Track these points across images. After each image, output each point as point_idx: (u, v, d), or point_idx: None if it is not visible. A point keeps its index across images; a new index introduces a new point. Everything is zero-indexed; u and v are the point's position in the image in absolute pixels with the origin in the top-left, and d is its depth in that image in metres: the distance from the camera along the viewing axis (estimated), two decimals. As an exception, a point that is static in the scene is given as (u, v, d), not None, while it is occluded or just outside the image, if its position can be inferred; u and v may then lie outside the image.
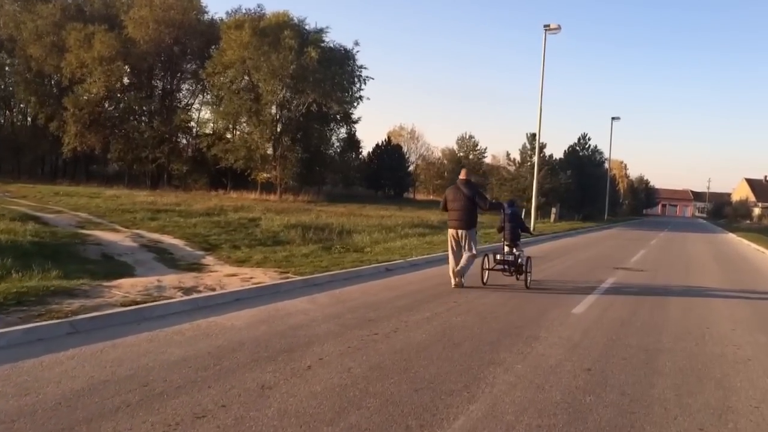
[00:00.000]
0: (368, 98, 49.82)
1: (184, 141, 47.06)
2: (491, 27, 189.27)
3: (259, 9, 46.36)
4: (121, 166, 49.34)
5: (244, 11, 46.32)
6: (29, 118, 52.10)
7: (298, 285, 10.16)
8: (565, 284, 12.78)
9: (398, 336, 7.03)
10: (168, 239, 16.71)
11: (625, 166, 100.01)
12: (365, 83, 48.10)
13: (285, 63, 41.89)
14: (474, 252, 11.02)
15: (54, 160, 50.47)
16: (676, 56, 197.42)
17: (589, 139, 58.91)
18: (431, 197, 78.99)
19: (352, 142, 54.19)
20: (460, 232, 10.99)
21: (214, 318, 7.51)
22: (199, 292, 8.82)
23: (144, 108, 47.93)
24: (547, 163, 44.66)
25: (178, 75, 49.05)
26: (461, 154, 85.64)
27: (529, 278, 11.69)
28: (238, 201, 36.21)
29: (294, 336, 6.80)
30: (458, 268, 11.03)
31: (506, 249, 12.09)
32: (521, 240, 12.82)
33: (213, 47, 46.20)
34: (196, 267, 12.03)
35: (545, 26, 29.65)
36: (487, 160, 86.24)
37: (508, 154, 48.71)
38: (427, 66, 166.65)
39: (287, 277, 10.68)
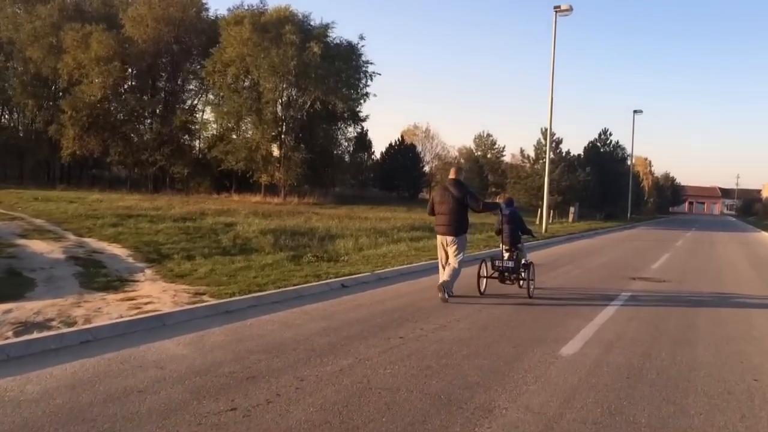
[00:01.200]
0: (375, 95, 46.95)
1: (186, 143, 44.75)
2: (508, 19, 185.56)
3: (261, 4, 44.03)
4: (121, 170, 47.31)
5: (246, 7, 44.05)
6: (29, 122, 50.32)
7: (200, 314, 7.67)
8: (566, 301, 10.09)
9: (263, 415, 4.42)
10: (113, 249, 14.70)
11: (650, 162, 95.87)
12: (372, 79, 45.57)
13: (285, 59, 39.54)
14: (457, 265, 9.64)
15: (56, 164, 48.59)
16: (701, 48, 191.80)
17: (610, 135, 55.83)
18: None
19: (361, 142, 51.63)
20: (448, 238, 9.71)
21: (4, 380, 4.97)
22: (47, 328, 6.35)
23: (143, 109, 45.85)
24: (564, 159, 41.67)
25: (179, 75, 46.92)
26: (479, 153, 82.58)
27: (531, 286, 10.30)
28: (233, 204, 33.92)
29: (101, 419, 4.22)
30: (441, 281, 9.67)
31: (505, 254, 10.65)
32: (524, 243, 11.39)
33: (216, 46, 43.97)
34: (117, 285, 9.85)
35: (555, 8, 26.88)
36: (506, 158, 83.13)
37: (521, 151, 45.66)
38: (443, 63, 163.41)
39: (195, 302, 8.17)
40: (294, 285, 9.84)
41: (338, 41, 45.08)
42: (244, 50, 40.59)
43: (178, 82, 47.09)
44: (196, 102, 46.41)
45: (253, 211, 26.96)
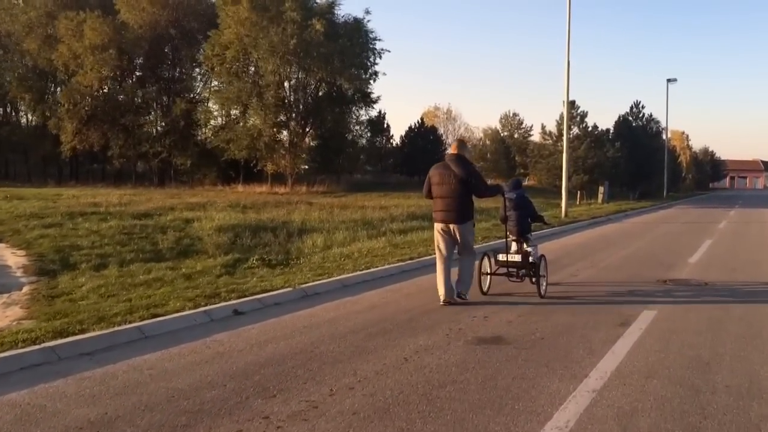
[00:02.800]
0: (384, 73, 43.40)
1: (190, 133, 41.93)
2: None
3: (261, -18, 40.81)
4: (123, 164, 44.79)
5: (246, -15, 40.91)
6: (29, 117, 48.19)
7: None
8: (551, 336, 6.76)
9: None
10: (12, 258, 12.36)
11: (687, 136, 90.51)
12: (380, 57, 42.17)
13: (285, 38, 36.43)
14: (471, 253, 8.26)
15: (59, 160, 46.23)
16: (736, 17, 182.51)
17: (642, 107, 51.42)
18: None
19: (378, 126, 48.31)
20: (451, 226, 8.07)
21: None
22: None
23: (143, 99, 43.23)
24: (590, 134, 37.72)
25: (179, 61, 44.11)
26: (505, 133, 78.74)
27: (543, 284, 8.75)
28: (229, 196, 31.04)
29: None
30: (457, 280, 8.16)
31: (512, 246, 9.03)
32: (533, 233, 9.56)
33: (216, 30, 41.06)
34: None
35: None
36: (534, 138, 78.89)
37: (543, 127, 41.63)
38: (465, 40, 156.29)
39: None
40: (148, 318, 6.74)
41: (344, 18, 41.78)
42: (241, 30, 37.62)
43: (179, 70, 44.28)
44: (198, 89, 43.39)
45: (235, 203, 24.02)
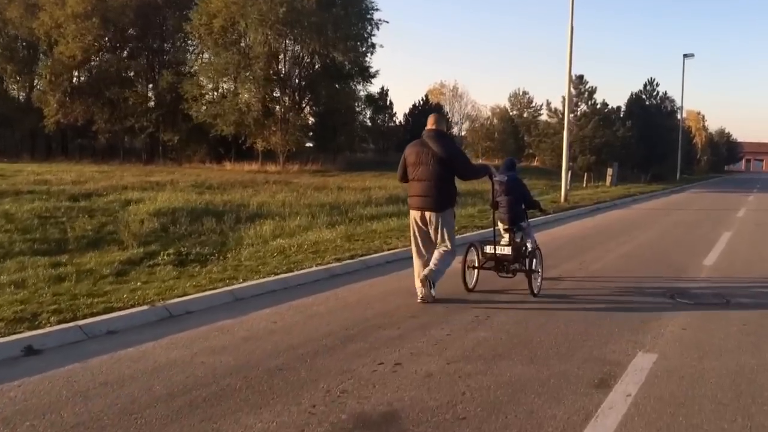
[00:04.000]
0: (381, 45, 40.74)
1: (178, 107, 39.52)
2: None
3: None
4: (111, 139, 42.49)
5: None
6: (13, 90, 45.88)
7: None
8: (497, 405, 4.38)
9: None
10: None
11: (703, 117, 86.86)
12: (378, 28, 39.49)
13: (273, 5, 33.84)
14: (450, 246, 6.87)
15: (49, 134, 43.91)
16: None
17: (657, 85, 48.31)
18: (480, 161, 69.62)
19: (375, 102, 45.68)
20: (428, 215, 6.82)
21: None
22: None
23: (129, 71, 40.86)
24: (598, 111, 34.90)
25: (166, 31, 41.62)
26: (514, 112, 75.81)
27: (538, 280, 7.53)
28: (210, 173, 28.80)
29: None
30: (426, 271, 6.83)
31: (503, 237, 7.77)
32: (528, 221, 8.30)
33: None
34: None
35: None
36: (544, 117, 75.81)
37: (548, 104, 38.74)
38: (473, 13, 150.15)
39: None
40: None
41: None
42: (229, -2, 35.15)
43: (169, 41, 41.80)
44: (187, 62, 40.82)
45: (200, 182, 21.72)
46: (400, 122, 61.98)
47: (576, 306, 7.09)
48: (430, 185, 6.71)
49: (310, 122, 44.89)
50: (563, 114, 36.04)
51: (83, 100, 40.28)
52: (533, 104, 73.42)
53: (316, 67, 41.23)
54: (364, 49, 40.54)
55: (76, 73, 39.78)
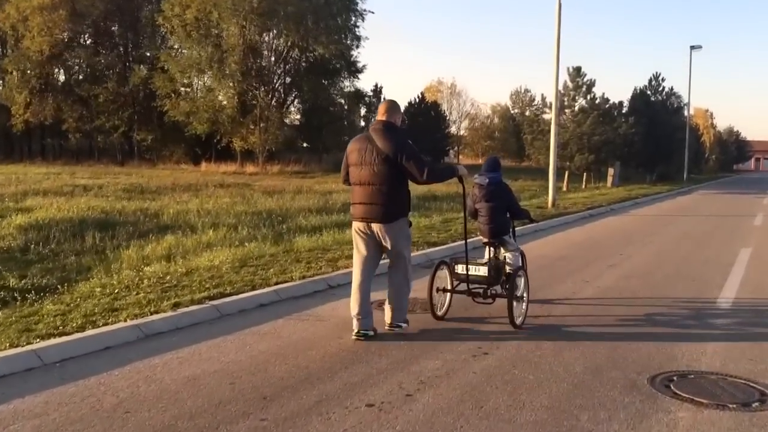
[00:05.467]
0: (367, 38, 37.94)
1: (151, 105, 36.86)
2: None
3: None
4: (79, 138, 39.87)
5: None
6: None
7: None
8: None
9: None
10: None
11: (711, 114, 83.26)
12: (363, 19, 36.79)
13: (246, -6, 31.17)
14: (405, 267, 5.59)
15: (17, 135, 41.34)
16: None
17: (663, 80, 45.06)
18: (479, 161, 66.58)
19: (363, 98, 42.86)
20: (375, 227, 5.40)
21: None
22: None
23: (98, 67, 38.23)
24: (597, 107, 31.84)
25: (139, 25, 38.95)
26: (515, 110, 72.80)
27: (522, 308, 5.94)
28: (177, 176, 26.12)
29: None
30: (388, 317, 5.62)
31: (485, 252, 6.60)
32: (514, 233, 6.92)
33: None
34: None
35: None
36: (548, 116, 72.63)
37: (543, 98, 35.50)
38: (472, 8, 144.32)
39: None
40: None
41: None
42: (201, -14, 32.46)
43: (141, 34, 39.11)
44: (160, 56, 38.10)
45: (133, 186, 18.95)
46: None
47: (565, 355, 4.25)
48: (375, 190, 5.29)
49: (294, 121, 42.32)
50: (558, 109, 33.08)
51: (53, 97, 37.80)
52: (535, 102, 70.38)
53: (303, 63, 38.69)
54: (349, 41, 37.92)
55: (44, 69, 37.03)
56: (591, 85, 31.47)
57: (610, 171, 32.78)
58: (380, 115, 5.49)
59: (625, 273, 8.80)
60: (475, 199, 6.47)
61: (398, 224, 5.41)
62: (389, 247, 5.45)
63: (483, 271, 5.91)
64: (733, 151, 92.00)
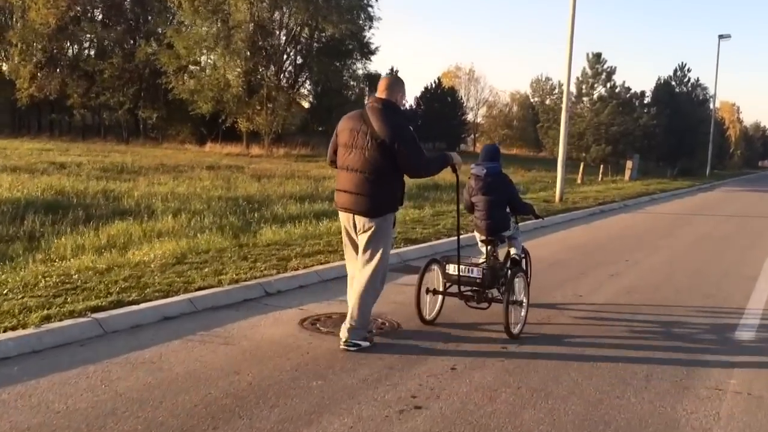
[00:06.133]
0: (380, 18, 36.45)
1: (157, 82, 35.69)
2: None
3: None
4: (84, 115, 38.80)
5: None
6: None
7: None
8: None
9: None
10: None
11: (738, 109, 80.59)
12: (377, -1, 35.17)
13: (255, -32, 29.82)
14: (370, 275, 4.71)
15: (21, 108, 40.26)
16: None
17: (688, 71, 43.02)
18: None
19: (375, 81, 41.26)
20: (359, 220, 4.74)
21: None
22: None
23: (105, 41, 37.15)
24: (617, 95, 30.09)
25: (148, -1, 37.74)
26: (536, 99, 70.72)
27: (521, 313, 5.31)
28: (176, 156, 25.04)
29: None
30: (343, 334, 4.69)
31: (481, 250, 5.84)
32: (517, 229, 6.19)
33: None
34: None
35: None
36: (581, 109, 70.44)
37: (559, 85, 33.48)
38: None
39: None
40: None
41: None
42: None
43: (148, 8, 37.90)
44: (166, 32, 36.84)
45: (112, 166, 17.80)
46: (410, 106, 57.78)
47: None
48: (363, 179, 4.61)
49: (304, 102, 41.11)
50: (576, 97, 31.44)
51: (59, 72, 36.83)
52: (556, 91, 68.25)
53: (315, 43, 37.34)
54: (361, 21, 36.43)
55: (49, 43, 36.01)
56: (611, 72, 29.68)
57: (628, 164, 31.11)
58: (380, 92, 4.75)
59: (627, 285, 7.42)
60: (471, 191, 5.85)
61: (384, 221, 4.69)
62: (364, 244, 4.70)
63: (477, 272, 5.23)
64: (759, 147, 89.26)
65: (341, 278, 4.95)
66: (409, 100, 59.74)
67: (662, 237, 11.78)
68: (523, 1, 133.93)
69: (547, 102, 69.88)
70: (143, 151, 28.80)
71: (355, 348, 4.62)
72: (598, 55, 29.52)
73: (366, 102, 4.96)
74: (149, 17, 38.65)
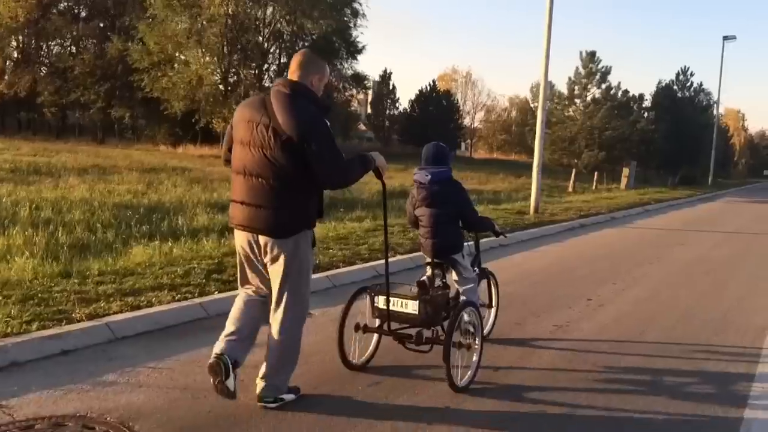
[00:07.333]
0: (363, 14, 34.07)
1: (129, 79, 33.60)
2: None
3: None
4: (55, 113, 36.60)
5: None
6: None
7: None
8: None
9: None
10: None
11: (743, 116, 77.88)
12: (363, -7, 33.04)
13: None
14: (296, 317, 3.61)
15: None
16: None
17: (691, 75, 40.62)
18: (494, 155, 62.46)
19: (362, 81, 39.30)
20: (262, 240, 3.50)
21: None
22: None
23: (74, 36, 35.14)
24: (612, 98, 27.70)
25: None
26: (535, 104, 68.28)
27: (472, 358, 4.16)
28: (129, 158, 22.83)
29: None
30: (262, 372, 3.58)
31: (426, 275, 4.71)
32: (471, 250, 5.10)
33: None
34: None
35: None
36: (570, 112, 68.02)
37: (552, 86, 30.94)
38: None
39: None
40: None
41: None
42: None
43: (123, 3, 35.79)
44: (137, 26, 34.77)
45: (36, 165, 15.62)
46: (405, 109, 55.59)
47: None
48: (263, 186, 3.40)
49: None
50: (567, 98, 29.14)
51: (30, 69, 34.84)
52: (557, 96, 65.96)
53: (299, 41, 35.22)
54: (346, 18, 34.27)
55: (20, 38, 34.08)
56: (606, 72, 27.27)
57: (625, 171, 28.77)
58: (290, 72, 3.56)
59: (578, 343, 5.10)
60: (414, 202, 4.70)
61: (295, 241, 3.50)
62: (276, 276, 3.53)
63: (413, 306, 4.03)
64: (764, 156, 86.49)
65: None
66: (403, 103, 57.69)
67: (646, 261, 9.37)
68: (522, 4, 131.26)
69: (550, 107, 67.85)
70: (106, 151, 26.65)
71: (275, 403, 3.52)
72: (592, 54, 27.16)
73: (272, 85, 3.46)
74: (122, 10, 36.63)
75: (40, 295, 5.10)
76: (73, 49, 35.44)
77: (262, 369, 3.57)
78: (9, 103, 36.87)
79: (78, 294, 5.21)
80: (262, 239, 3.49)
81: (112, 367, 3.99)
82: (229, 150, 3.63)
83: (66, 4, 35.77)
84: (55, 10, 35.22)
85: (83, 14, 36.30)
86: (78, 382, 3.73)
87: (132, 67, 32.22)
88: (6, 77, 34.36)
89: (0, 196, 10.19)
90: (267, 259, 3.52)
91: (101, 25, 35.98)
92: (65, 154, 21.54)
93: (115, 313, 4.83)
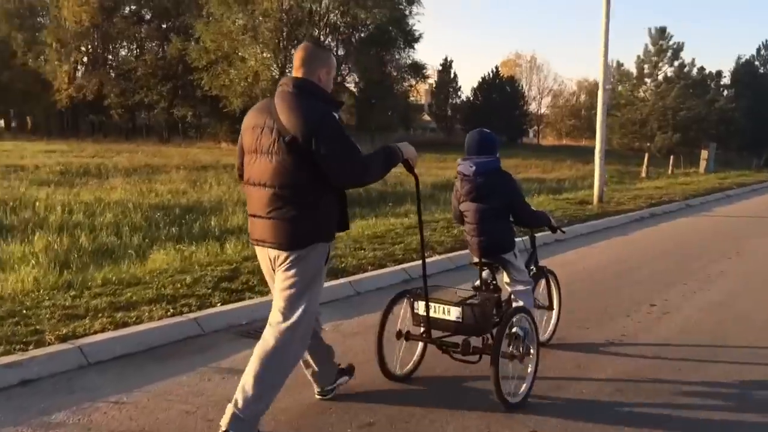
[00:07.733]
0: (419, 1, 33.36)
1: (188, 79, 34.06)
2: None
3: None
4: (121, 114, 37.44)
5: None
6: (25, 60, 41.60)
7: None
8: None
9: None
10: None
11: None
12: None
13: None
14: (293, 332, 3.10)
15: (61, 111, 39.35)
16: None
17: (775, 48, 37.67)
18: (563, 142, 60.27)
19: (420, 70, 38.46)
20: (272, 254, 3.14)
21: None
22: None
23: (137, 38, 35.84)
24: (685, 76, 25.79)
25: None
26: (607, 86, 65.37)
27: (528, 369, 3.69)
28: (180, 156, 23.01)
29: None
30: (239, 387, 3.00)
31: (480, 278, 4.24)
32: (527, 247, 4.64)
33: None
34: None
35: None
36: (641, 93, 64.83)
37: (619, 65, 28.90)
38: None
39: None
40: None
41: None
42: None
43: (181, 3, 36.27)
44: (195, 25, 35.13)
45: (87, 167, 15.67)
46: (467, 98, 54.32)
47: None
48: (272, 196, 3.05)
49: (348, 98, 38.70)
50: (637, 78, 27.36)
51: (97, 72, 35.79)
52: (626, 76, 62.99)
53: (356, 33, 34.86)
54: (402, 6, 33.56)
55: (84, 41, 35.00)
56: (678, 49, 25.40)
57: (703, 154, 26.80)
58: (295, 69, 3.21)
59: (639, 363, 4.22)
60: (458, 196, 4.20)
61: (307, 254, 3.08)
62: (281, 288, 3.13)
63: (455, 312, 3.60)
64: None
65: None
66: (465, 91, 56.39)
67: (724, 255, 8.24)
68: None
69: (619, 88, 64.98)
70: (167, 151, 26.97)
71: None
72: (662, 30, 25.37)
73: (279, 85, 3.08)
74: (181, 9, 37.14)
75: (25, 311, 4.66)
76: (137, 51, 36.01)
77: (236, 396, 2.99)
78: (80, 106, 37.98)
79: (66, 310, 4.74)
80: (272, 252, 3.17)
81: (68, 402, 3.44)
82: (241, 163, 3.29)
83: (130, 7, 36.42)
84: (118, 14, 35.95)
85: (147, 16, 36.87)
86: (21, 423, 3.19)
87: (191, 66, 32.63)
88: (76, 81, 35.38)
89: (36, 199, 10.03)
90: (277, 271, 3.17)
91: (162, 26, 36.52)
92: (125, 155, 21.79)
93: (95, 332, 4.31)
